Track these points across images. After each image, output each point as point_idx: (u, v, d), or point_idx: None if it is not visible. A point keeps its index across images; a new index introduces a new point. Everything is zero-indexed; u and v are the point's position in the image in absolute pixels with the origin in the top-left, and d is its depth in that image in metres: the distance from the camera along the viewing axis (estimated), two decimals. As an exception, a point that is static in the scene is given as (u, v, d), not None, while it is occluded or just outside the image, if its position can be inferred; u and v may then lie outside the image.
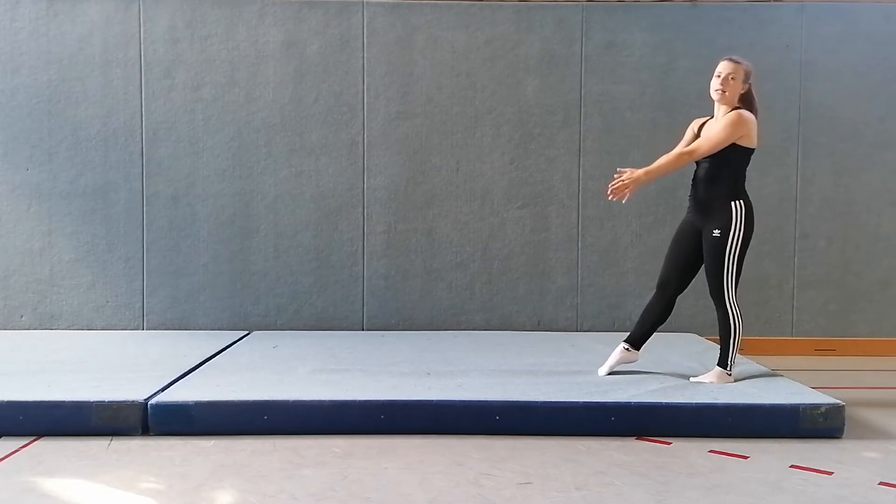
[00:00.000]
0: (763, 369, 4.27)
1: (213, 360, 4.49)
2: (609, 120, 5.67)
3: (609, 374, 4.08)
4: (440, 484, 2.90)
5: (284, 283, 5.66)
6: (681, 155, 3.94)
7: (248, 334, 5.42)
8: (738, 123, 3.83)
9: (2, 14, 5.56)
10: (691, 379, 3.99)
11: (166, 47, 5.59)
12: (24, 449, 3.27)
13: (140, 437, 3.43)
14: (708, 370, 4.06)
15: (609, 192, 3.92)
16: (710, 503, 2.75)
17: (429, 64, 5.64)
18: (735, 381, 3.96)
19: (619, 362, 4.12)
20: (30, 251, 5.61)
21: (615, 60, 5.64)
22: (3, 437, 3.39)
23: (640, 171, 3.89)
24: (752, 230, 3.93)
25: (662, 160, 3.94)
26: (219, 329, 5.59)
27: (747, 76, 3.92)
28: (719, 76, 3.91)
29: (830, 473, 3.05)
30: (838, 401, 3.56)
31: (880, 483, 2.96)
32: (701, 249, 3.99)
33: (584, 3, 5.65)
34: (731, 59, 3.93)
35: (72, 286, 5.62)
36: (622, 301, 5.67)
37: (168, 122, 5.61)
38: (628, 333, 4.19)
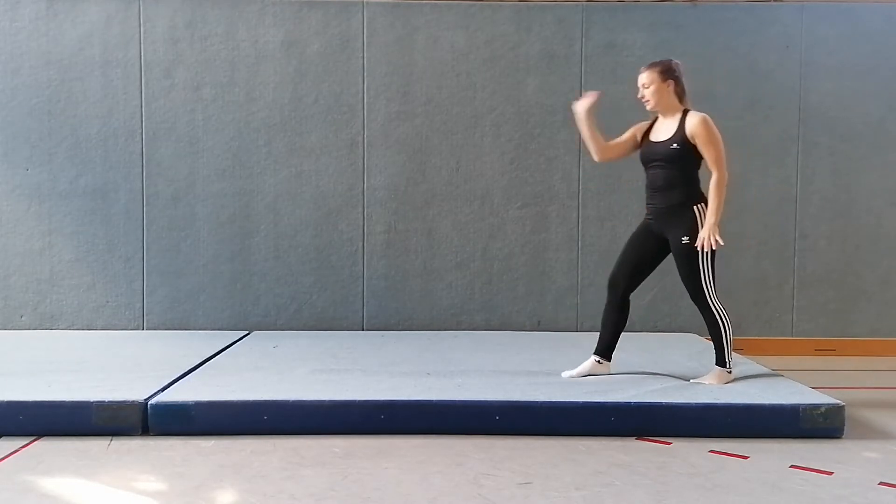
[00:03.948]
0: (763, 369, 4.27)
1: (212, 360, 4.49)
2: (609, 120, 5.65)
3: (573, 377, 4.03)
4: (440, 484, 2.90)
5: (284, 283, 5.66)
6: (721, 185, 3.78)
7: (248, 334, 5.42)
8: (711, 125, 3.82)
9: (2, 14, 5.56)
10: (691, 381, 3.98)
11: (166, 47, 5.59)
12: (24, 449, 3.27)
13: (140, 437, 3.43)
14: (708, 370, 4.06)
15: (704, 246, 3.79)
16: (710, 503, 2.75)
17: (429, 64, 5.64)
18: (735, 380, 3.95)
19: (589, 373, 4.08)
20: (30, 251, 5.61)
21: (615, 60, 5.64)
22: (3, 437, 3.39)
23: (711, 223, 3.75)
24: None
25: (715, 200, 3.77)
26: (219, 329, 5.59)
27: (664, 75, 3.91)
28: (639, 90, 3.96)
29: (830, 473, 3.05)
30: (838, 401, 3.55)
31: (880, 483, 2.96)
32: (657, 254, 4.00)
33: (584, 3, 5.65)
34: (644, 67, 3.97)
35: (72, 286, 5.62)
36: (622, 301, 5.66)
37: (168, 122, 5.61)
38: (596, 345, 4.13)
